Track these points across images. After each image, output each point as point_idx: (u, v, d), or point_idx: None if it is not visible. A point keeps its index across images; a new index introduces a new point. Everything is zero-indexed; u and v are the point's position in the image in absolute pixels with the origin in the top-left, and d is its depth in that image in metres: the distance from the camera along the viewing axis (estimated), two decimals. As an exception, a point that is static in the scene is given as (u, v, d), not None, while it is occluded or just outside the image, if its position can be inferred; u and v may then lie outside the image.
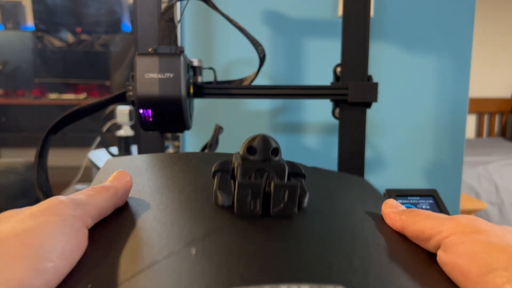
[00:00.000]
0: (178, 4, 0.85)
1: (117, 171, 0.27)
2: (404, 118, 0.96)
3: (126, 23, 1.59)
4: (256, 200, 0.22)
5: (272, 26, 0.92)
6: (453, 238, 0.21)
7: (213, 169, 0.25)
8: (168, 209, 0.24)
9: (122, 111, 0.99)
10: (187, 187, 0.27)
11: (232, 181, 0.24)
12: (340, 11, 0.90)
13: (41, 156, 0.59)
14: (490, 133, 2.92)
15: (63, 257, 0.19)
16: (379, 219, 0.26)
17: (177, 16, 0.84)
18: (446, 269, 0.20)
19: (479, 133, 2.91)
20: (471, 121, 2.89)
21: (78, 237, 0.20)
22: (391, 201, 0.28)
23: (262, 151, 0.24)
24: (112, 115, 1.01)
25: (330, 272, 0.18)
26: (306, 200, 0.25)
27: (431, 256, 0.22)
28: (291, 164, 0.26)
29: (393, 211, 0.26)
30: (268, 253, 0.19)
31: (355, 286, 0.17)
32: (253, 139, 0.24)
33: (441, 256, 0.21)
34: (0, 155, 1.71)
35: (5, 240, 0.18)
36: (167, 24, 0.55)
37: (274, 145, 0.24)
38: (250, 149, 0.24)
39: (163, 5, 0.58)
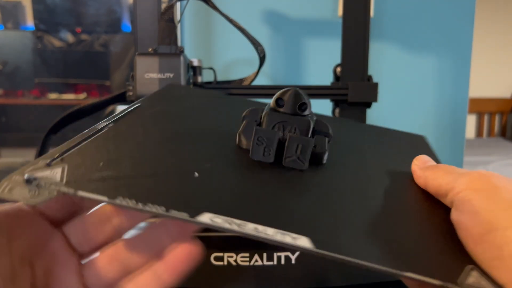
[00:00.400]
0: (178, 4, 0.85)
1: None
2: (404, 118, 0.96)
3: (126, 23, 1.59)
4: (270, 148, 0.23)
5: (272, 26, 0.92)
6: (462, 195, 0.20)
7: (243, 114, 0.26)
8: (189, 137, 0.26)
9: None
10: (221, 127, 0.29)
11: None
12: (340, 11, 0.90)
13: (41, 156, 0.59)
14: (490, 133, 2.92)
15: None
16: (406, 176, 0.26)
17: (177, 16, 0.84)
18: (455, 226, 0.20)
19: (479, 133, 2.91)
20: (471, 121, 2.89)
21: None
22: (421, 157, 0.27)
23: (290, 104, 0.24)
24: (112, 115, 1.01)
25: (298, 222, 0.18)
26: (325, 157, 0.25)
27: (446, 215, 0.22)
28: (320, 122, 0.26)
29: (420, 168, 0.25)
30: (255, 194, 0.20)
31: (320, 239, 0.17)
32: (284, 92, 0.25)
33: (451, 214, 0.21)
34: (0, 155, 1.70)
35: None
36: (167, 24, 0.55)
37: (303, 100, 0.25)
38: (279, 101, 0.25)
39: (163, 5, 0.58)
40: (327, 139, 0.26)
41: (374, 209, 0.21)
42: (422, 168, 0.25)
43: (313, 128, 0.25)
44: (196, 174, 0.24)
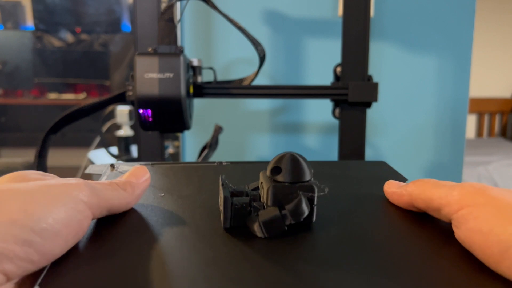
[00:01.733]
0: (178, 4, 0.85)
1: (136, 167, 0.26)
2: (404, 118, 0.96)
3: (126, 23, 1.58)
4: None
5: (272, 26, 0.92)
6: (464, 212, 0.20)
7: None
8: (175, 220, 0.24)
9: (122, 111, 0.99)
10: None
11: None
12: (340, 11, 0.90)
13: (41, 156, 0.59)
14: (490, 133, 2.92)
15: (55, 238, 0.18)
16: (381, 202, 0.26)
17: (177, 16, 0.84)
18: (465, 245, 0.20)
19: (479, 133, 2.91)
20: (471, 121, 2.89)
21: (78, 224, 0.19)
22: (392, 182, 0.26)
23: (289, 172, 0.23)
24: (111, 115, 1.01)
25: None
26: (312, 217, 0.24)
27: (443, 232, 0.21)
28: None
29: (398, 188, 0.25)
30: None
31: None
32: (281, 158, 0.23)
33: (456, 233, 0.20)
34: (0, 155, 1.70)
35: (11, 198, 0.18)
36: (167, 24, 0.55)
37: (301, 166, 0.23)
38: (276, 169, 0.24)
39: (163, 5, 0.58)
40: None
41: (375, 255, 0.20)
42: (401, 187, 0.25)
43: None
44: (162, 194, 0.26)
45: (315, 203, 0.23)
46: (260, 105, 0.95)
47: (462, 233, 0.20)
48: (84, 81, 1.66)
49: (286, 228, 0.22)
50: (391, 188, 0.26)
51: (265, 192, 0.23)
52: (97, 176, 0.32)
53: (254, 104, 0.95)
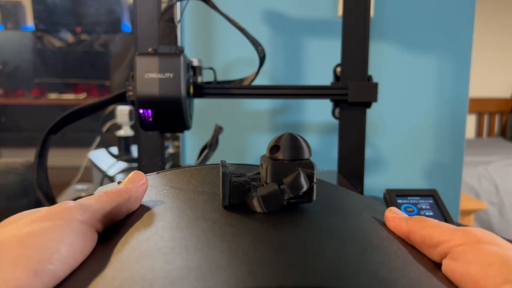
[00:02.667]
0: (178, 4, 0.85)
1: (133, 172, 0.27)
2: (404, 118, 0.96)
3: (126, 23, 1.59)
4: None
5: (272, 26, 0.92)
6: (465, 247, 0.20)
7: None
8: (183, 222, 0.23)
9: (122, 111, 0.99)
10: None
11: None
12: (340, 11, 0.90)
13: (41, 156, 0.59)
14: (490, 133, 2.92)
15: (64, 260, 0.19)
16: (381, 224, 0.26)
17: (177, 16, 0.84)
18: (455, 277, 0.20)
19: (479, 133, 2.91)
20: (471, 121, 2.89)
21: (83, 241, 0.20)
22: (394, 209, 0.27)
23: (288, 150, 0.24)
24: (112, 115, 1.01)
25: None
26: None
27: (435, 265, 0.21)
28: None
29: (398, 216, 0.25)
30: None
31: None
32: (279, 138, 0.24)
33: (450, 265, 0.20)
34: (0, 155, 1.70)
35: (6, 242, 0.18)
36: (167, 24, 0.55)
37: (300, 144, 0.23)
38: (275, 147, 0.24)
39: (163, 5, 0.58)
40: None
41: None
42: (402, 218, 0.25)
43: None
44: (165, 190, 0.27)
45: (315, 180, 0.23)
46: (260, 105, 0.95)
47: (457, 264, 0.20)
48: (84, 81, 1.66)
49: (285, 203, 0.22)
50: (393, 213, 0.26)
51: (264, 170, 0.23)
52: None
53: (254, 104, 0.95)
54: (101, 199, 0.23)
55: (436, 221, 0.24)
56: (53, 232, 0.19)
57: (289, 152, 0.22)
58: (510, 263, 0.18)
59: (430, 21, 0.93)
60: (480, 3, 1.02)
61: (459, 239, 0.21)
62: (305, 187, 0.22)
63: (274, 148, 0.23)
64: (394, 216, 0.25)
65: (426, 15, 0.93)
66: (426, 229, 0.23)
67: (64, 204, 0.22)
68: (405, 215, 0.26)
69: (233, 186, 0.23)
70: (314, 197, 0.23)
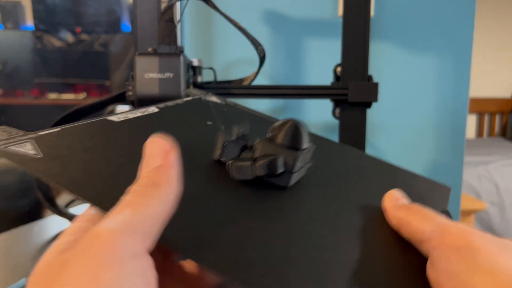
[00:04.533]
0: (178, 4, 0.85)
1: (148, 141, 0.19)
2: (404, 118, 0.96)
3: (126, 23, 1.58)
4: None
5: (272, 26, 0.92)
6: (439, 251, 0.19)
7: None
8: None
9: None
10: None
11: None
12: (340, 11, 0.90)
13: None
14: (491, 133, 2.92)
15: None
16: (378, 214, 0.25)
17: (177, 16, 0.84)
18: (431, 283, 0.19)
19: (479, 133, 2.91)
20: (471, 121, 2.89)
21: (151, 282, 0.15)
22: (393, 193, 0.25)
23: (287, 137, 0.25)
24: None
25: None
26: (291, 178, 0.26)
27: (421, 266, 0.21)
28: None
29: (393, 206, 0.24)
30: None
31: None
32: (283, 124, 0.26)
33: (427, 269, 0.20)
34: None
35: None
36: (167, 24, 0.55)
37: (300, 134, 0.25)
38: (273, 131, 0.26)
39: (163, 5, 0.58)
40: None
41: (344, 249, 0.21)
42: (394, 207, 0.24)
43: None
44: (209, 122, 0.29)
45: (294, 170, 0.24)
46: (260, 105, 0.95)
47: (431, 271, 0.19)
48: (84, 81, 1.66)
49: (252, 177, 0.23)
50: (388, 202, 0.25)
51: (255, 144, 0.25)
52: None
53: (254, 104, 0.95)
54: (137, 201, 0.16)
55: (425, 212, 0.22)
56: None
57: (284, 138, 0.24)
58: (477, 275, 0.17)
59: (430, 21, 0.93)
60: (480, 3, 1.02)
61: (436, 240, 0.20)
62: (276, 171, 0.23)
63: (274, 128, 0.25)
64: (389, 207, 0.24)
65: (426, 15, 0.93)
66: (411, 225, 0.22)
67: (105, 231, 0.14)
68: (403, 200, 0.25)
69: (226, 145, 0.25)
70: (290, 183, 0.24)
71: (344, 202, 0.25)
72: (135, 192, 0.16)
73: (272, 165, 0.23)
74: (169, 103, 0.35)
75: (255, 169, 0.23)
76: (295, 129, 0.24)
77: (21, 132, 0.25)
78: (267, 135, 0.25)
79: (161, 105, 0.34)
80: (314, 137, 0.34)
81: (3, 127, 0.25)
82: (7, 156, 0.21)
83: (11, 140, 0.23)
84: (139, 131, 0.29)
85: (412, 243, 0.22)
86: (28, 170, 0.20)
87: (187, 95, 0.40)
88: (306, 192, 0.25)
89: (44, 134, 0.24)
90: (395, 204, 0.24)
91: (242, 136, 0.26)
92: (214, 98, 0.39)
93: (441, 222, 0.21)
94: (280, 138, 0.24)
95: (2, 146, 0.22)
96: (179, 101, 0.37)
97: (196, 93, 0.41)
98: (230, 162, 0.24)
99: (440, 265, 0.19)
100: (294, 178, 0.24)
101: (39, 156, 0.22)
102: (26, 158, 0.21)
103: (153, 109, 0.33)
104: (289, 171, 0.24)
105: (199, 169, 0.24)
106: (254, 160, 0.23)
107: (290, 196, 0.24)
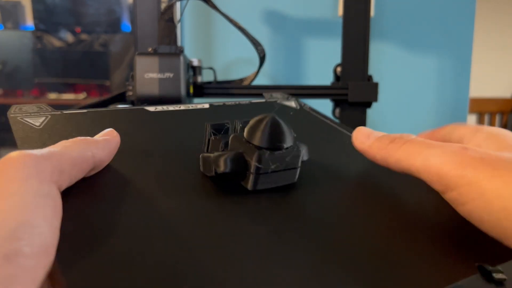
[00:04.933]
0: (178, 4, 0.85)
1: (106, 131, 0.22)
2: (405, 118, 0.96)
3: (126, 23, 1.59)
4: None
5: (272, 26, 0.92)
6: (464, 190, 0.17)
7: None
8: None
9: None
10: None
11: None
12: (340, 11, 0.90)
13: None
14: (490, 133, 2.92)
15: (43, 248, 0.13)
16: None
17: (177, 16, 0.84)
18: (468, 211, 0.17)
19: (479, 133, 2.91)
20: (471, 121, 2.89)
21: (57, 211, 0.15)
22: (362, 129, 0.23)
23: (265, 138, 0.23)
24: (112, 115, 1.01)
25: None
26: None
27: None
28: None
29: (368, 145, 0.22)
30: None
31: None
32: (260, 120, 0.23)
33: (459, 210, 0.18)
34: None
35: None
36: (167, 23, 0.55)
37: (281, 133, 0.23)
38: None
39: (163, 5, 0.58)
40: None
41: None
42: (374, 145, 0.22)
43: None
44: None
45: (252, 170, 0.21)
46: (260, 105, 0.95)
47: (467, 210, 0.17)
48: (84, 81, 1.66)
49: (213, 173, 0.22)
50: (359, 145, 0.23)
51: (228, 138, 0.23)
52: None
53: (254, 104, 0.95)
54: (66, 145, 0.18)
55: (416, 141, 0.20)
56: (25, 208, 0.14)
57: (249, 134, 0.21)
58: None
59: (430, 21, 0.93)
60: (480, 3, 1.02)
61: (453, 179, 0.17)
62: (222, 169, 0.21)
63: (247, 122, 0.22)
64: (363, 147, 0.22)
65: (426, 15, 0.93)
66: (409, 161, 0.19)
67: (12, 159, 0.15)
68: (374, 135, 0.23)
69: (211, 140, 0.24)
70: (249, 187, 0.22)
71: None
72: (70, 141, 0.19)
73: (217, 161, 0.21)
74: (229, 102, 0.33)
75: (214, 165, 0.21)
76: (267, 127, 0.21)
77: (50, 109, 0.27)
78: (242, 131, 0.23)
79: (218, 103, 0.33)
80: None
81: (41, 104, 0.28)
82: (13, 124, 0.24)
83: (34, 114, 0.25)
84: (158, 123, 0.28)
85: (420, 177, 0.19)
86: (15, 134, 0.22)
87: (265, 98, 0.37)
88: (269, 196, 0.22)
89: (66, 113, 0.27)
90: (368, 142, 0.22)
91: (226, 130, 0.24)
92: (292, 103, 0.36)
93: (444, 146, 0.18)
94: (248, 135, 0.21)
95: (18, 117, 0.24)
96: (243, 101, 0.34)
97: (278, 96, 0.37)
98: (200, 155, 0.22)
99: (476, 203, 0.16)
100: (263, 182, 0.22)
101: (35, 127, 0.23)
102: (25, 127, 0.23)
103: (203, 105, 0.32)
104: (254, 172, 0.21)
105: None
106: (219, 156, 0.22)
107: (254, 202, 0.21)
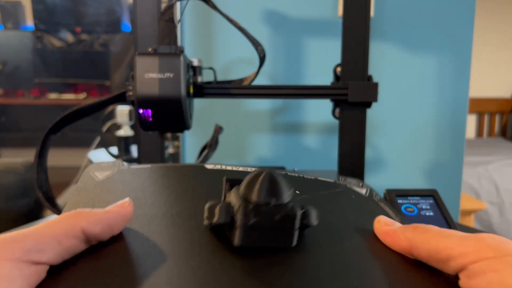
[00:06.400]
0: (178, 4, 0.85)
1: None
2: (404, 118, 0.96)
3: (126, 23, 1.59)
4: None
5: (272, 26, 0.92)
6: (483, 264, 0.19)
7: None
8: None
9: (122, 111, 0.99)
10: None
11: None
12: (340, 11, 0.90)
13: (41, 156, 0.59)
14: (490, 133, 2.92)
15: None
16: (372, 239, 0.23)
17: (177, 16, 0.84)
18: None
19: (479, 133, 2.91)
20: (471, 121, 2.89)
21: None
22: (382, 218, 0.24)
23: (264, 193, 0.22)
24: (112, 115, 1.01)
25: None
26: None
27: (446, 280, 0.20)
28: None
29: (393, 229, 0.23)
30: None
31: None
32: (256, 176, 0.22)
33: (467, 283, 0.19)
34: (0, 155, 1.70)
35: None
36: (167, 23, 0.55)
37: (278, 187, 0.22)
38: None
39: (163, 5, 0.58)
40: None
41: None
42: (398, 230, 0.23)
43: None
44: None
45: (237, 225, 0.20)
46: (260, 105, 0.95)
47: (476, 283, 0.19)
48: (84, 81, 1.66)
49: (208, 225, 0.22)
50: (383, 226, 0.24)
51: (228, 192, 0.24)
52: None
53: (254, 104, 0.95)
54: (53, 222, 0.20)
55: (437, 228, 0.21)
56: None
57: (244, 187, 0.21)
58: None
59: (430, 21, 0.93)
60: (480, 3, 1.02)
61: (473, 255, 0.19)
62: (215, 219, 0.21)
63: (241, 181, 0.22)
64: (387, 230, 0.23)
65: (426, 15, 0.93)
66: (431, 243, 0.21)
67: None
68: (397, 224, 0.24)
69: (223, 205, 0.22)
70: (236, 242, 0.21)
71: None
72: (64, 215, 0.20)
73: (208, 211, 0.21)
74: (293, 173, 0.32)
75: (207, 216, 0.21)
76: (259, 181, 0.20)
77: (122, 164, 0.30)
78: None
79: (282, 171, 0.33)
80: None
81: (118, 160, 0.31)
82: (82, 176, 0.28)
83: (105, 168, 0.28)
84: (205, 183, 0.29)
85: (430, 262, 0.21)
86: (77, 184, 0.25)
87: (336, 184, 0.33)
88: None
89: (132, 168, 0.29)
90: (394, 227, 0.23)
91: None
92: (363, 190, 0.33)
93: (467, 235, 0.20)
94: (242, 188, 0.21)
95: (90, 171, 0.28)
96: (308, 176, 0.32)
97: (352, 181, 0.34)
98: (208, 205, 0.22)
99: (488, 277, 0.18)
100: (251, 238, 0.20)
101: (96, 180, 0.27)
102: (88, 180, 0.27)
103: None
104: (241, 226, 0.20)
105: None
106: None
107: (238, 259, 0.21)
